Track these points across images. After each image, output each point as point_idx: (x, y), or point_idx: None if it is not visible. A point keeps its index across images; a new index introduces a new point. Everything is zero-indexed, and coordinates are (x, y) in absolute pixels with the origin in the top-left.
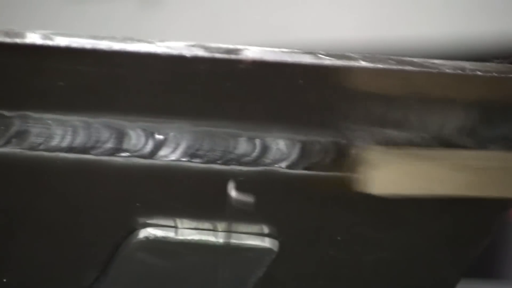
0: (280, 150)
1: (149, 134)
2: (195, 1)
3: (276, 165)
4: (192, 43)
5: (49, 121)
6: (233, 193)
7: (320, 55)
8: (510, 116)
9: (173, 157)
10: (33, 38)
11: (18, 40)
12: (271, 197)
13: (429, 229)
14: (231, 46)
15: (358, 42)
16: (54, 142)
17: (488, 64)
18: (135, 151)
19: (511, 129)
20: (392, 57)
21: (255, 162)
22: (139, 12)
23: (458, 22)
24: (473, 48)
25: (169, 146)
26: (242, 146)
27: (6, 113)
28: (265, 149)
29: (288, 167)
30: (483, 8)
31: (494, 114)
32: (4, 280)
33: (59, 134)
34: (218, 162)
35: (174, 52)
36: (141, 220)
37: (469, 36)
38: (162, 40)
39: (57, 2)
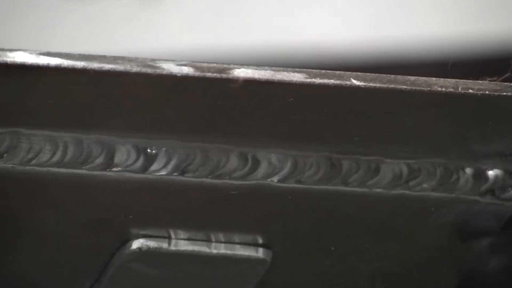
0: (272, 164)
1: (141, 150)
2: (195, 1)
3: (268, 179)
4: (183, 62)
5: (40, 137)
6: None
7: (311, 74)
8: (504, 133)
9: (164, 172)
10: (23, 57)
11: (7, 60)
12: (264, 209)
13: (425, 240)
14: (222, 65)
15: (358, 43)
16: (45, 158)
17: (480, 82)
18: (127, 166)
19: (506, 145)
20: (383, 75)
21: (247, 177)
22: (139, 11)
23: (458, 22)
24: (473, 48)
25: (161, 161)
26: (234, 161)
27: None
28: (256, 163)
29: (280, 181)
30: (482, 8)
31: (489, 131)
32: None
33: (50, 150)
34: (210, 176)
35: (164, 72)
36: (135, 231)
37: (468, 36)
38: (153, 60)
39: (57, 1)
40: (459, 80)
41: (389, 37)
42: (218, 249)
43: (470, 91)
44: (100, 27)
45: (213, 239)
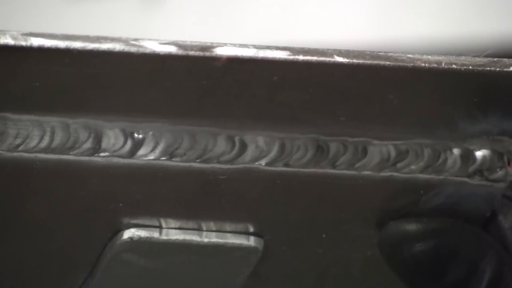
0: (259, 147)
1: (128, 134)
2: (196, 1)
3: (256, 163)
4: (166, 40)
5: (27, 122)
6: None
7: (294, 51)
8: (490, 110)
9: (152, 156)
10: (6, 39)
11: None
12: (253, 195)
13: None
14: (205, 44)
15: (358, 43)
16: (33, 143)
17: (463, 57)
18: (114, 151)
19: (492, 124)
20: (367, 52)
21: (234, 160)
22: (139, 12)
23: (458, 22)
24: (473, 48)
25: (148, 145)
26: (222, 144)
27: None
28: (244, 147)
29: (268, 164)
30: (482, 8)
31: (474, 108)
32: None
33: (37, 135)
34: (198, 160)
35: (147, 50)
36: (125, 220)
37: (468, 36)
38: (136, 39)
39: (57, 2)
40: (442, 56)
41: (387, 37)
42: (209, 237)
43: (454, 66)
44: (100, 27)
45: (204, 228)
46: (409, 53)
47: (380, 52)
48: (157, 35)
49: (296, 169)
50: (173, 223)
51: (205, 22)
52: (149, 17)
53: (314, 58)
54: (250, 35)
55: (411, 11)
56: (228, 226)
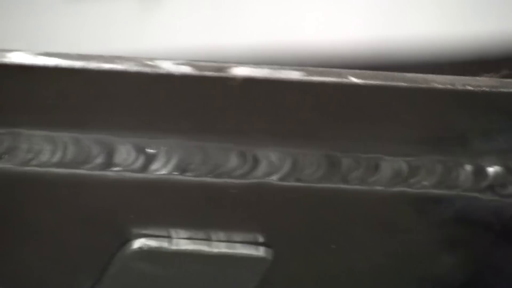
0: (272, 163)
1: (140, 149)
2: (196, 1)
3: (268, 178)
4: (181, 61)
5: (40, 138)
6: None
7: (309, 72)
8: (503, 129)
9: (164, 171)
10: (22, 58)
11: (6, 60)
12: (264, 208)
13: (426, 237)
14: (220, 64)
15: (359, 43)
16: (45, 158)
17: (478, 78)
18: (126, 166)
19: (505, 142)
20: (382, 72)
21: (246, 175)
22: (139, 12)
23: (458, 22)
24: (474, 48)
25: (161, 160)
26: (233, 160)
27: None
28: (256, 162)
29: (280, 179)
30: (482, 8)
31: (487, 127)
32: None
33: (49, 150)
34: (210, 175)
35: (162, 71)
36: (135, 230)
37: (469, 36)
38: (151, 59)
39: (56, 1)
40: (457, 77)
41: (387, 37)
42: (219, 248)
43: (469, 87)
44: (100, 27)
45: (214, 238)
46: (424, 75)
47: (395, 73)
48: (156, 35)
49: (308, 184)
50: (183, 233)
51: (204, 22)
52: (148, 17)
53: (329, 79)
54: (249, 36)
55: (411, 11)
56: (237, 237)
